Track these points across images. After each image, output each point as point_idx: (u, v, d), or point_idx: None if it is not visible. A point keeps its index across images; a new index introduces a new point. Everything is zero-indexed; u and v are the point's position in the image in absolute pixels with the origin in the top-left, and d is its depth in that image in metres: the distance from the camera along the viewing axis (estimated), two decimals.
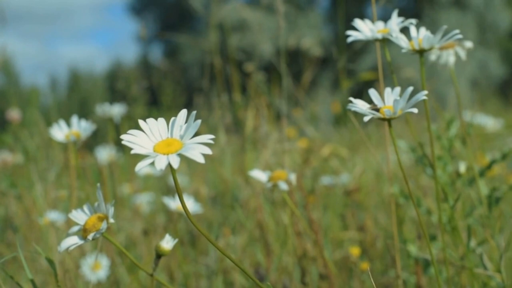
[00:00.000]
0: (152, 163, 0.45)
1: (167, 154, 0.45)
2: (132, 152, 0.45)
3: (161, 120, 0.49)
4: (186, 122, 0.48)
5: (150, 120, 0.49)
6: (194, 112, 0.47)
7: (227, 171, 1.62)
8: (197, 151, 0.44)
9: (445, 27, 0.61)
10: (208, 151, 0.44)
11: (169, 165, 0.45)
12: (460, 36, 0.61)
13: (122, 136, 0.47)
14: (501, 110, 3.84)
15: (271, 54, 7.73)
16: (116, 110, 1.34)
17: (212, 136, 0.45)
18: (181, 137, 0.48)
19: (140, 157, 0.46)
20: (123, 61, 11.99)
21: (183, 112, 0.49)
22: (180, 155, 0.45)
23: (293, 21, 8.14)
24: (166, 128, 0.49)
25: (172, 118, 0.49)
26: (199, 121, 0.47)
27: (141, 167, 0.44)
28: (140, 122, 0.49)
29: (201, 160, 0.43)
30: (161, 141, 0.48)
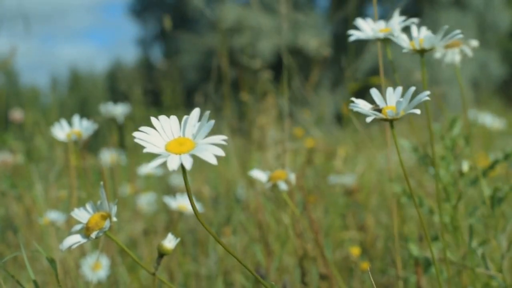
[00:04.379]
0: (164, 163, 0.43)
1: (180, 154, 0.44)
2: (145, 151, 0.44)
3: (174, 118, 0.48)
4: (199, 121, 0.47)
5: (163, 118, 0.48)
6: (208, 112, 0.46)
7: (230, 171, 1.62)
8: (210, 152, 0.43)
9: (446, 27, 0.61)
10: (221, 152, 0.43)
11: (181, 166, 0.44)
12: (461, 36, 0.61)
13: (135, 134, 0.46)
14: (502, 110, 3.84)
15: (271, 53, 7.74)
16: (120, 110, 1.34)
17: (225, 137, 0.44)
18: (194, 136, 0.47)
19: (144, 155, 0.45)
20: (123, 62, 11.99)
21: (196, 111, 0.48)
22: (192, 155, 0.44)
23: (293, 21, 8.15)
24: (178, 126, 0.48)
25: (185, 117, 0.48)
26: (212, 121, 0.45)
27: (154, 166, 0.43)
28: (153, 119, 0.48)
29: (214, 161, 0.42)
30: (173, 139, 0.47)
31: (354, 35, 0.69)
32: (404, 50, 0.64)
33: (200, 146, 0.45)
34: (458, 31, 0.62)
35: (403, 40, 0.64)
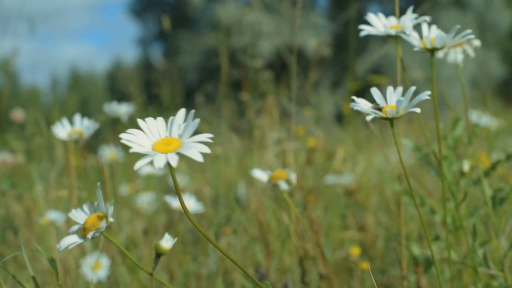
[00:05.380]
0: (151, 162, 0.44)
1: (166, 153, 0.45)
2: (131, 151, 0.45)
3: (160, 119, 0.49)
4: (185, 121, 0.48)
5: (149, 119, 0.49)
6: (193, 111, 0.47)
7: (231, 171, 1.62)
8: (196, 149, 0.44)
9: (458, 26, 0.61)
10: (207, 150, 0.44)
11: (168, 164, 0.45)
12: (472, 36, 0.61)
13: (121, 135, 0.47)
14: (501, 110, 3.83)
15: (271, 53, 7.74)
16: (124, 109, 1.34)
17: (211, 135, 0.45)
18: (180, 136, 0.47)
19: (140, 156, 0.45)
20: (123, 62, 12.01)
21: (182, 111, 0.49)
22: (179, 154, 0.45)
23: (294, 20, 8.14)
24: (165, 127, 0.49)
25: (171, 117, 0.49)
26: (198, 120, 0.46)
27: (140, 166, 0.44)
28: (139, 121, 0.49)
29: (200, 159, 0.43)
30: (160, 140, 0.48)
31: (366, 30, 0.68)
32: (415, 48, 0.64)
33: (186, 144, 0.46)
34: (469, 30, 0.62)
35: (414, 38, 0.64)
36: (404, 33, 0.66)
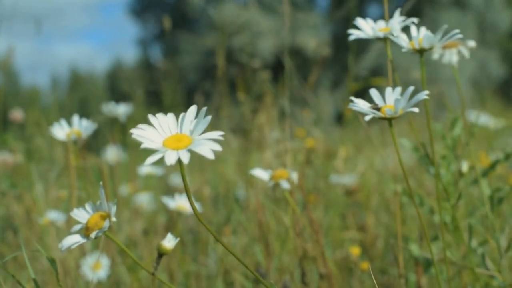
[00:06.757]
0: (161, 159, 0.44)
1: (177, 150, 0.45)
2: (142, 146, 0.45)
3: (171, 115, 0.49)
4: (195, 118, 0.48)
5: (160, 115, 0.49)
6: (205, 108, 0.47)
7: (230, 171, 1.62)
8: (207, 147, 0.44)
9: (445, 26, 0.61)
10: (218, 147, 0.44)
11: (177, 161, 0.44)
12: (460, 36, 0.61)
13: (132, 130, 0.46)
14: (501, 110, 3.83)
15: (271, 53, 7.74)
16: (122, 109, 1.34)
17: (222, 133, 0.45)
18: (191, 132, 0.47)
19: (144, 155, 0.45)
20: (123, 62, 12.01)
21: (193, 108, 0.48)
22: (190, 150, 0.45)
23: (292, 21, 8.14)
24: (175, 123, 0.48)
25: (182, 114, 0.49)
26: (209, 117, 0.46)
27: (151, 162, 0.43)
28: (150, 116, 0.48)
29: (211, 156, 0.43)
30: (170, 136, 0.47)
31: (354, 34, 0.69)
32: (404, 50, 0.64)
33: (197, 141, 0.45)
34: (457, 30, 0.62)
35: (402, 39, 0.64)
36: (393, 35, 0.66)
